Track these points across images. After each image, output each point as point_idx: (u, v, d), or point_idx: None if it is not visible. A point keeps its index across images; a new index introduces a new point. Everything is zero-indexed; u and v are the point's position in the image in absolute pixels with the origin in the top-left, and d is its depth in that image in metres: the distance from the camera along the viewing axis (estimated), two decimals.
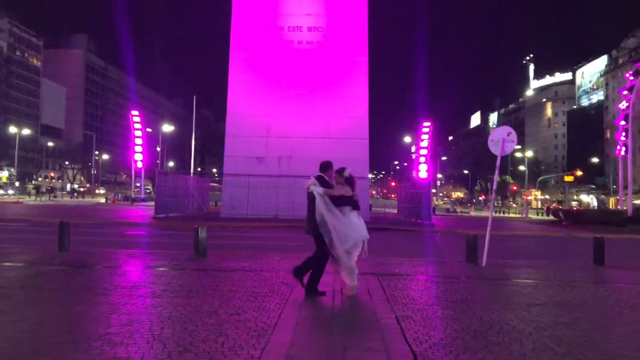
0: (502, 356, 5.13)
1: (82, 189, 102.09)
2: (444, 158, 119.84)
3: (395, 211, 39.54)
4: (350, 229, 7.59)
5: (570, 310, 7.36)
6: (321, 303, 7.41)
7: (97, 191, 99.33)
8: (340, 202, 7.60)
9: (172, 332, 5.65)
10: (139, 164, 63.05)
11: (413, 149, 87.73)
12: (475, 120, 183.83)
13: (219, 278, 9.15)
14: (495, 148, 12.21)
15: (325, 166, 7.96)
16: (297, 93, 32.18)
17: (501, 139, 12.15)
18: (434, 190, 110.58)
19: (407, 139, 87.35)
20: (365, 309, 7.15)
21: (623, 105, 39.88)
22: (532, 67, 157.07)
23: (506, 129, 12.46)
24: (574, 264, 12.81)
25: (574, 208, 75.26)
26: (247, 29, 32.95)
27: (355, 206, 7.88)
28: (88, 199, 75.93)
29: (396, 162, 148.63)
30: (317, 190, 7.52)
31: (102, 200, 70.13)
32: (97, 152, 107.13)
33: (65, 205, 47.70)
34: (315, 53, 32.75)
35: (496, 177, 12.49)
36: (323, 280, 9.26)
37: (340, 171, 7.86)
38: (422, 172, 51.76)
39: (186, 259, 11.56)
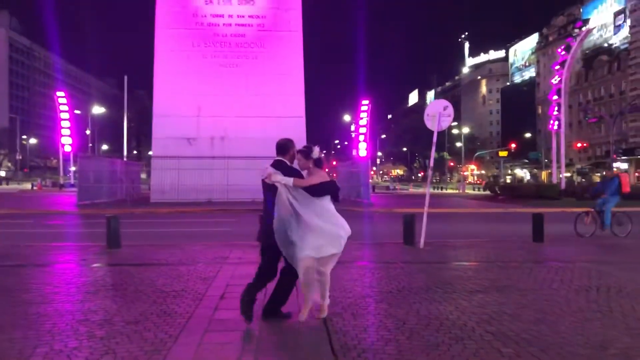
0: None
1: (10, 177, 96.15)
2: (383, 136, 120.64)
3: None
4: (339, 228, 5.60)
5: (514, 298, 6.75)
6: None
7: None
8: (320, 191, 5.49)
9: (47, 351, 4.62)
10: (67, 148, 59.64)
11: (353, 127, 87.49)
12: (413, 98, 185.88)
13: (127, 275, 8.07)
14: (431, 123, 11.54)
15: (285, 147, 5.70)
16: (229, 70, 30.67)
17: (437, 113, 11.49)
18: (374, 169, 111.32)
19: (347, 118, 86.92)
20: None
21: (555, 80, 40.37)
22: (467, 45, 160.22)
23: (442, 102, 11.83)
24: (513, 242, 12.40)
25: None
26: None
27: (336, 195, 5.79)
28: (13, 186, 71.68)
29: (337, 141, 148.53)
30: (285, 180, 5.27)
31: (28, 186, 66.25)
32: (24, 137, 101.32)
33: None
34: (247, 27, 31.28)
35: (433, 153, 11.85)
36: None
37: (307, 151, 5.61)
38: (362, 150, 51.45)
39: (97, 253, 10.38)
